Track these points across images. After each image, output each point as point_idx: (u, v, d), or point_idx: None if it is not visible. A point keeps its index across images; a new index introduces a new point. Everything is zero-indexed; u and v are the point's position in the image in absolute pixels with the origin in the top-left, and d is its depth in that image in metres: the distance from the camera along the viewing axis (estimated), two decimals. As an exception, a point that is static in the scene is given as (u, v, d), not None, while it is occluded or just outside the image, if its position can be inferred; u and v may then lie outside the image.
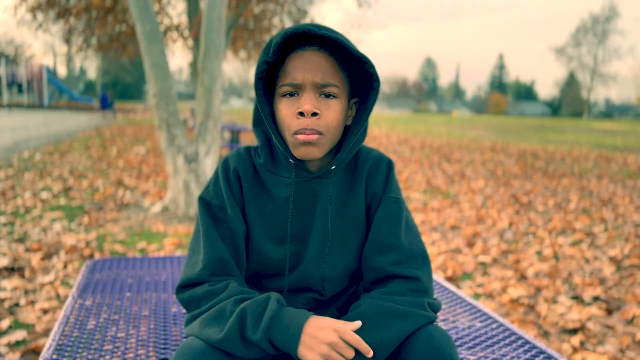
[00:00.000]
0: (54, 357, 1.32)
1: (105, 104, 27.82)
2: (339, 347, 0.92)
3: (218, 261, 1.07)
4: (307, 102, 1.00)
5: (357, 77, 1.12)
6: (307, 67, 1.01)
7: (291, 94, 1.03)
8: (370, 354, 0.94)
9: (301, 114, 1.01)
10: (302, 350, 0.92)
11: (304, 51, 1.02)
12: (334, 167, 1.09)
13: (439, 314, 1.76)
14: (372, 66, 1.03)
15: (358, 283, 1.24)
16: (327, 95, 1.03)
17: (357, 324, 0.95)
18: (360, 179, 1.15)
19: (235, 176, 1.13)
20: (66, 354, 1.34)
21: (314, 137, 1.01)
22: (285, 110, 1.03)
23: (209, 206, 1.11)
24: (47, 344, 1.38)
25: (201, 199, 1.13)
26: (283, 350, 0.96)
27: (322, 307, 1.19)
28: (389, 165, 1.17)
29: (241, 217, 1.12)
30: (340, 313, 1.21)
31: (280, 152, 1.08)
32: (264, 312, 0.96)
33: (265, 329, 0.93)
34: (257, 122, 1.12)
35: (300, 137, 1.01)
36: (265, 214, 1.12)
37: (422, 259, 1.11)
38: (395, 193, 1.15)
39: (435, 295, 1.93)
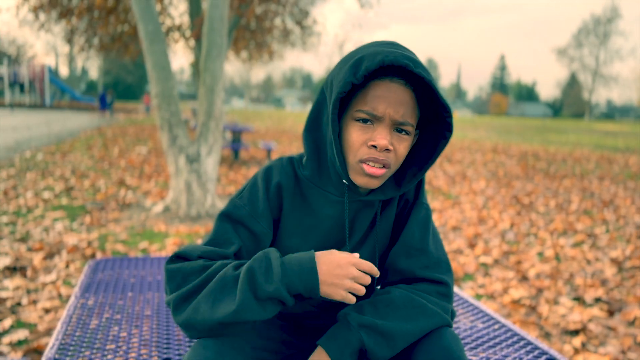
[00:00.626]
0: (57, 356, 1.33)
1: (105, 104, 27.87)
2: (360, 279, 0.94)
3: (226, 257, 1.04)
4: (384, 137, 0.97)
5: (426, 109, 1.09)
6: (391, 102, 0.97)
7: (365, 121, 0.99)
8: (378, 273, 0.97)
9: (374, 146, 0.98)
10: (326, 289, 0.93)
11: (392, 82, 0.98)
12: (385, 198, 1.09)
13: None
14: (450, 117, 1.02)
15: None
16: (400, 131, 1.01)
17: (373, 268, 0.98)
18: (394, 202, 1.15)
19: (277, 190, 1.10)
20: (69, 353, 1.35)
21: (381, 172, 0.99)
22: (357, 136, 0.99)
23: (238, 210, 1.08)
24: (51, 343, 1.39)
25: (233, 202, 1.09)
26: (304, 294, 0.94)
27: (332, 308, 1.18)
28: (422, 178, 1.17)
29: (271, 231, 1.10)
30: None
31: (334, 171, 1.05)
32: (271, 262, 0.94)
33: (280, 277, 0.92)
34: (310, 129, 1.08)
35: (367, 168, 0.99)
36: (304, 228, 1.10)
37: (447, 266, 1.13)
38: (426, 200, 1.17)
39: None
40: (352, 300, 0.94)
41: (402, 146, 1.01)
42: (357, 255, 0.96)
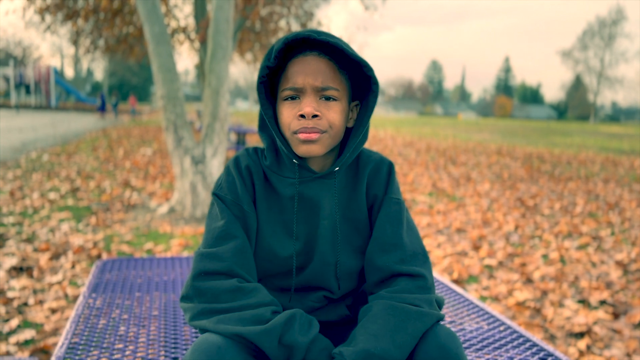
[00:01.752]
0: (67, 355, 1.34)
1: (104, 106, 27.93)
2: None
3: (240, 252, 1.08)
4: (308, 104, 1.05)
5: (358, 80, 1.15)
6: (307, 72, 1.05)
7: (292, 98, 1.07)
8: None
9: (302, 116, 1.05)
10: None
11: (305, 56, 1.07)
12: (337, 168, 1.13)
13: (446, 316, 1.77)
14: (370, 69, 1.07)
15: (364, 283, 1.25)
16: (328, 98, 1.07)
17: None
18: (362, 181, 1.18)
19: (247, 173, 1.16)
20: (78, 352, 1.36)
21: (314, 135, 1.05)
22: (287, 112, 1.07)
23: (224, 201, 1.13)
24: (60, 342, 1.40)
25: (216, 195, 1.15)
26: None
27: (332, 304, 1.21)
28: (390, 167, 1.21)
29: (254, 212, 1.15)
30: (350, 310, 1.22)
31: (284, 153, 1.11)
32: (311, 324, 1.01)
33: (313, 337, 0.98)
34: (262, 126, 1.16)
35: (301, 135, 1.05)
36: (273, 212, 1.16)
37: (423, 257, 1.14)
38: (396, 194, 1.19)
39: (442, 298, 1.94)
40: None
41: (332, 111, 1.07)
42: None
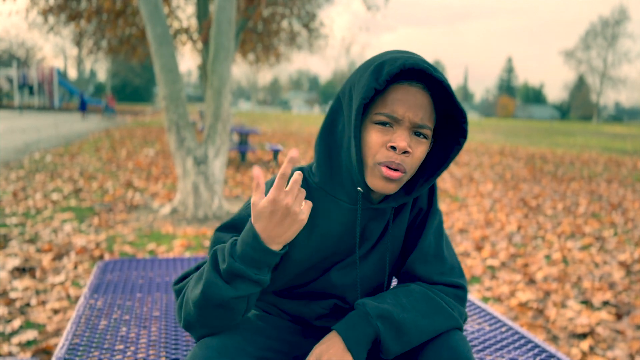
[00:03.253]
0: (67, 356, 1.34)
1: (85, 106, 27.06)
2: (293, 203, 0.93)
3: None
4: (403, 139, 0.98)
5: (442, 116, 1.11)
6: (410, 105, 0.99)
7: (384, 124, 1.00)
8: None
9: (393, 148, 0.99)
10: (274, 241, 0.94)
11: (411, 86, 1.00)
12: (396, 205, 1.09)
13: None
14: (466, 122, 1.04)
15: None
16: (418, 135, 1.02)
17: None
18: (408, 203, 1.16)
19: None
20: (79, 353, 1.36)
21: (398, 174, 0.99)
22: (376, 138, 1.00)
23: (244, 219, 1.07)
24: (60, 343, 1.40)
25: (241, 215, 1.09)
26: (258, 257, 0.94)
27: (341, 312, 1.18)
28: (433, 184, 1.19)
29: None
30: None
31: (348, 177, 1.05)
32: (225, 244, 0.99)
33: (229, 250, 0.96)
34: (325, 136, 1.09)
35: (385, 170, 0.98)
36: (315, 237, 1.10)
37: (460, 272, 1.16)
38: (437, 205, 1.19)
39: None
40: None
41: (419, 150, 1.01)
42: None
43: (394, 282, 1.88)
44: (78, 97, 28.42)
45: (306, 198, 1.09)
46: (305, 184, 1.11)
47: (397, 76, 1.00)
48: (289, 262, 1.10)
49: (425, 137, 1.02)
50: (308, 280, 1.14)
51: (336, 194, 1.08)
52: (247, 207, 1.09)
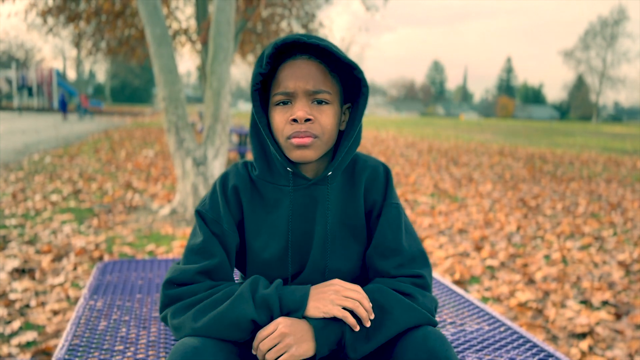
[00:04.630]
0: (67, 357, 1.34)
1: (65, 107, 26.48)
2: (343, 292, 1.02)
3: (214, 268, 1.10)
4: (300, 108, 1.04)
5: (349, 83, 1.14)
6: (298, 76, 1.04)
7: (284, 102, 1.06)
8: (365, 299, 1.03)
9: (295, 120, 1.04)
10: (312, 304, 1.02)
11: (295, 60, 1.06)
12: (330, 172, 1.12)
13: (447, 317, 1.76)
14: (360, 72, 1.06)
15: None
16: (320, 102, 1.06)
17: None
18: (359, 186, 1.17)
19: (233, 192, 1.15)
20: (78, 354, 1.36)
21: (308, 139, 1.04)
22: (279, 117, 1.06)
23: (204, 219, 1.14)
24: (60, 344, 1.40)
25: (197, 212, 1.16)
26: (294, 305, 1.02)
27: None
28: (387, 172, 1.21)
29: (236, 232, 1.15)
30: None
31: (277, 160, 1.11)
32: (274, 282, 1.07)
33: (276, 287, 1.04)
34: (254, 133, 1.15)
35: (295, 140, 1.04)
36: (267, 224, 1.15)
37: (422, 260, 1.17)
38: (395, 199, 1.19)
39: (442, 299, 1.94)
40: (346, 315, 1.00)
41: (324, 115, 1.06)
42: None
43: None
44: (58, 100, 27.38)
45: (250, 190, 1.16)
46: (248, 177, 1.17)
47: (282, 56, 1.06)
48: (251, 251, 1.15)
49: (326, 102, 1.07)
50: (283, 276, 1.15)
51: (277, 181, 1.14)
52: (202, 204, 1.17)
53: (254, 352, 1.01)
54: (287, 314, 1.01)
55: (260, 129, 1.09)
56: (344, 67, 1.10)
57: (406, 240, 1.16)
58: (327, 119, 1.06)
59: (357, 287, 1.04)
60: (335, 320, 1.01)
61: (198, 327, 1.01)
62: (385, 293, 1.07)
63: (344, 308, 1.01)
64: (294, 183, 1.12)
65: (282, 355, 0.98)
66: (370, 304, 1.02)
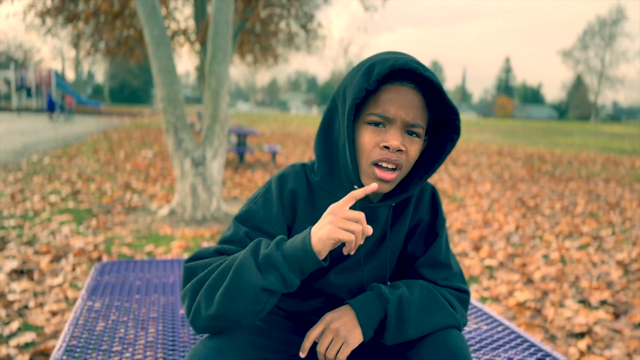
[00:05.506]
0: (64, 358, 1.34)
1: (53, 106, 25.85)
2: (342, 217, 0.91)
3: (236, 250, 1.05)
4: (396, 138, 1.00)
5: (435, 116, 1.13)
6: (402, 104, 1.01)
7: (377, 124, 1.02)
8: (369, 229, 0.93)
9: (387, 147, 1.01)
10: (315, 240, 0.91)
11: (402, 86, 1.02)
12: (393, 204, 1.12)
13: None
14: (458, 119, 1.05)
15: None
16: (411, 134, 1.04)
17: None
18: (408, 206, 1.18)
19: (291, 196, 1.11)
20: (76, 355, 1.36)
21: (392, 176, 1.02)
22: (369, 138, 1.02)
23: (253, 218, 1.08)
24: (57, 345, 1.40)
25: (248, 208, 1.10)
26: (301, 256, 0.92)
27: (336, 306, 1.20)
28: (434, 191, 1.22)
29: (286, 237, 1.09)
30: None
31: (346, 175, 1.08)
32: (274, 238, 1.01)
33: (277, 243, 0.94)
34: (323, 137, 1.11)
35: (379, 172, 1.01)
36: None
37: (463, 278, 1.21)
38: (444, 218, 1.22)
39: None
40: (350, 237, 0.90)
41: (413, 148, 1.04)
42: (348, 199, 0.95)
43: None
44: (46, 99, 26.26)
45: (307, 196, 1.11)
46: (306, 181, 1.13)
47: (388, 77, 1.02)
48: None
49: (417, 135, 1.04)
50: (308, 281, 1.14)
51: (336, 193, 1.10)
52: (254, 201, 1.10)
53: (302, 355, 1.00)
54: (294, 263, 0.93)
55: (346, 144, 1.04)
56: (438, 100, 1.07)
57: (452, 258, 1.21)
58: (415, 152, 1.05)
59: (357, 215, 0.93)
60: (373, 300, 1.04)
61: (211, 314, 0.95)
62: (436, 293, 1.10)
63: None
64: (360, 203, 1.10)
65: (340, 348, 1.00)
66: (370, 229, 0.93)
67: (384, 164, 1.01)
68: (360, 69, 1.03)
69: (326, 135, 1.11)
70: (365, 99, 1.04)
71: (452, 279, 1.18)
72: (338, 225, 0.90)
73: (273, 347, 1.13)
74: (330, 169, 1.10)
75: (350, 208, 1.06)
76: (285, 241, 0.96)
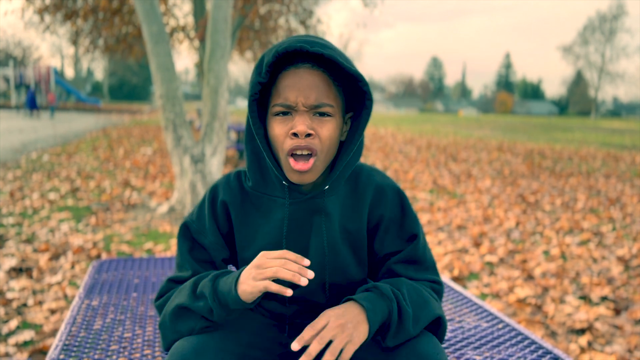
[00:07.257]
0: (61, 357, 1.33)
1: (34, 104, 25.34)
2: (265, 263, 0.94)
3: (186, 279, 1.16)
4: (301, 122, 0.97)
5: (352, 91, 1.09)
6: (300, 87, 0.98)
7: (284, 113, 1.00)
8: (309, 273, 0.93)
9: (295, 134, 0.98)
10: (240, 288, 0.96)
11: (297, 69, 0.99)
12: (327, 187, 1.08)
13: (445, 314, 1.75)
14: (365, 84, 1.01)
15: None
16: (322, 114, 1.00)
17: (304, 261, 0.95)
18: (363, 200, 1.14)
19: (222, 207, 1.15)
20: (73, 354, 1.35)
21: (307, 166, 0.99)
22: (279, 129, 1.01)
23: (189, 230, 1.17)
24: (54, 344, 1.39)
25: (184, 224, 1.19)
26: (226, 298, 0.99)
27: (321, 305, 1.18)
28: (397, 188, 1.17)
29: (223, 245, 1.16)
30: None
31: (273, 173, 1.07)
32: (212, 274, 1.07)
33: (212, 278, 1.04)
34: (248, 141, 1.09)
35: (293, 164, 1.00)
36: (260, 236, 1.12)
37: (436, 269, 1.21)
38: (413, 211, 1.19)
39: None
40: (268, 285, 0.91)
41: (325, 129, 1.01)
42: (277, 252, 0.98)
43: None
44: (27, 96, 25.42)
45: (240, 204, 1.14)
46: (239, 190, 1.15)
47: (286, 63, 1.00)
48: (243, 263, 1.15)
49: (329, 114, 1.01)
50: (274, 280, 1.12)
51: (271, 192, 1.10)
52: (190, 214, 1.20)
53: (294, 349, 0.92)
54: (221, 299, 1.00)
55: (258, 143, 1.04)
56: (348, 76, 1.05)
57: (428, 252, 1.20)
58: (328, 132, 1.01)
59: (282, 253, 0.95)
60: (378, 299, 1.00)
61: (168, 328, 1.11)
62: (419, 287, 1.10)
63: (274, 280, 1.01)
64: (290, 196, 1.08)
65: (345, 345, 0.93)
66: (296, 265, 0.93)
67: (298, 152, 1.00)
68: (256, 64, 1.03)
69: (251, 139, 1.09)
70: (269, 92, 1.03)
71: (424, 272, 1.17)
72: (258, 278, 0.93)
73: (257, 344, 1.13)
74: (261, 171, 1.10)
75: (279, 204, 1.10)
76: (224, 275, 1.04)
